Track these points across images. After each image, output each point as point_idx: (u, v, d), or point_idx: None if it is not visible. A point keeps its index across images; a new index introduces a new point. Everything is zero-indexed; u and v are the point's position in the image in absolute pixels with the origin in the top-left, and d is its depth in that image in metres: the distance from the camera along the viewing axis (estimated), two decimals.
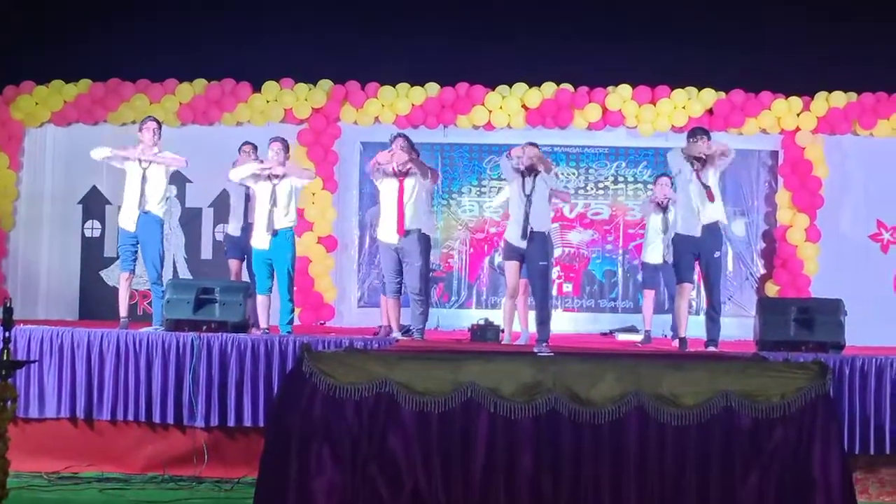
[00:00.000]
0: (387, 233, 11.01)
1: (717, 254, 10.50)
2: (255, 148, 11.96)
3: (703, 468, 6.25)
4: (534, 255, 10.55)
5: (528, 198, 10.53)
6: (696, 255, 10.45)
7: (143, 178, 10.66)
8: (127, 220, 10.73)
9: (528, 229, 10.50)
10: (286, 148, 10.92)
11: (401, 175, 10.93)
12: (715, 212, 10.39)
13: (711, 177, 10.37)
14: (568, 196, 11.16)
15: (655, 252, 12.21)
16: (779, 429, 6.24)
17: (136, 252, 10.80)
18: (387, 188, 11.04)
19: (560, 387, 6.34)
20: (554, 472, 6.26)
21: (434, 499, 6.21)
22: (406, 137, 11.13)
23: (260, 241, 10.73)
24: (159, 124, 10.92)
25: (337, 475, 6.18)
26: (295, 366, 6.51)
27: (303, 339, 9.34)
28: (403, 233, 10.88)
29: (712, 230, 10.38)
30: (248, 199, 11.84)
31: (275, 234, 10.65)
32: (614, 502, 6.25)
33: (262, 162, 10.97)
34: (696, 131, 10.56)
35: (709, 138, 10.50)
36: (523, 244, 10.53)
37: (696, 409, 6.29)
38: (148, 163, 10.65)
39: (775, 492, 6.24)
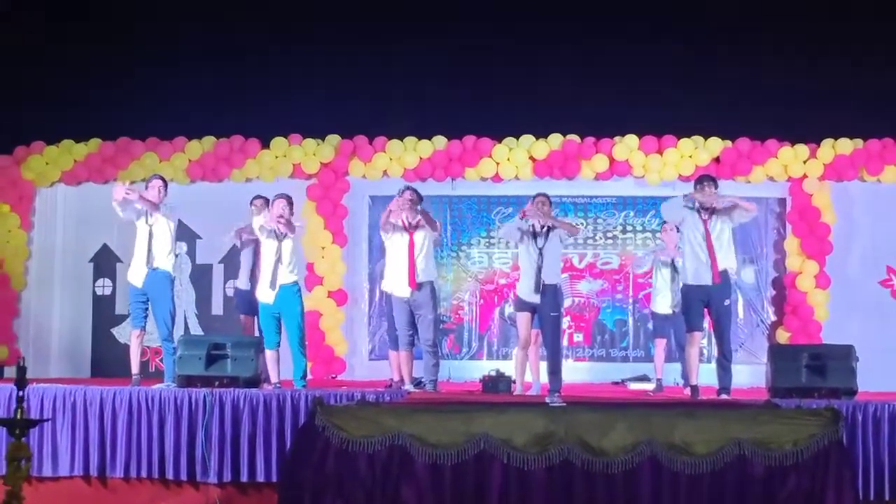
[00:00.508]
0: (399, 286, 11.04)
1: (727, 302, 10.53)
2: (267, 201, 12.00)
3: None
4: (545, 306, 10.56)
5: (541, 252, 10.56)
6: (706, 303, 10.47)
7: (150, 234, 10.73)
8: (136, 276, 10.80)
9: (541, 283, 10.52)
10: (290, 204, 10.97)
11: (411, 229, 10.99)
12: (724, 260, 10.42)
13: (721, 227, 10.42)
14: (577, 229, 11.21)
15: (665, 302, 12.24)
16: (792, 476, 6.24)
17: (147, 308, 10.85)
18: (396, 242, 11.08)
19: (572, 437, 6.35)
20: None
21: None
22: (414, 190, 11.20)
23: (265, 296, 10.79)
24: (165, 183, 11.01)
25: None
26: (307, 420, 6.53)
27: (314, 393, 9.31)
28: (416, 286, 10.92)
29: (722, 278, 10.40)
30: (256, 254, 11.89)
31: (279, 289, 10.70)
32: None
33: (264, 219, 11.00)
34: (703, 179, 10.62)
35: (716, 186, 10.56)
36: (536, 298, 10.54)
37: (709, 457, 6.30)
38: (154, 218, 10.72)
39: None
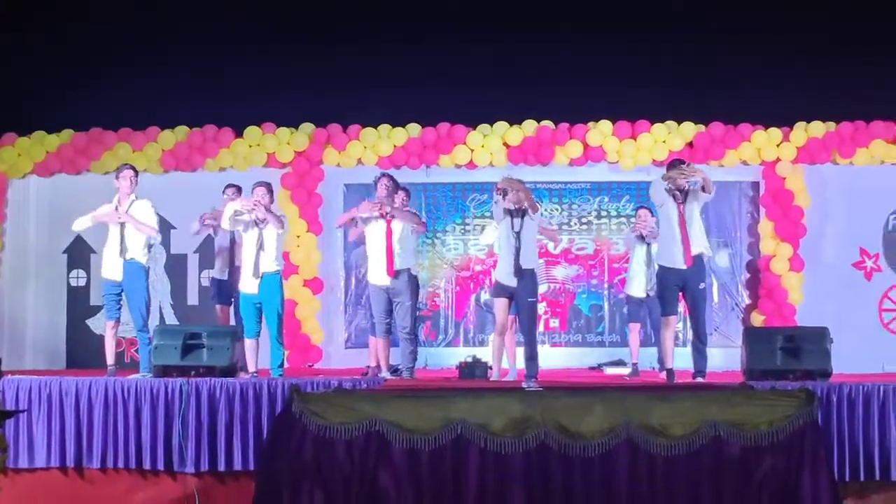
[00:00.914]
0: (376, 274, 11.06)
1: (701, 285, 10.56)
2: (240, 190, 12.01)
3: (694, 498, 6.27)
4: (523, 291, 10.56)
5: (518, 236, 10.56)
6: (680, 287, 10.51)
7: (122, 226, 10.71)
8: (110, 269, 10.78)
9: (519, 267, 10.52)
10: (270, 192, 10.97)
11: (389, 217, 10.99)
12: (697, 243, 10.46)
13: (692, 210, 10.46)
14: (555, 233, 11.18)
15: (639, 285, 12.29)
16: (768, 456, 6.28)
17: (121, 300, 10.83)
18: (374, 230, 11.09)
19: (549, 421, 6.37)
20: None
21: None
22: (390, 177, 11.20)
23: (247, 285, 10.77)
24: (136, 172, 10.98)
25: None
26: (284, 407, 6.53)
27: (291, 381, 9.30)
28: (394, 273, 10.93)
29: (696, 262, 10.44)
30: (233, 242, 11.87)
31: (262, 277, 10.70)
32: None
33: (241, 202, 10.98)
34: (675, 163, 10.66)
35: (684, 165, 10.62)
36: (514, 282, 10.54)
37: (685, 439, 6.33)
38: (126, 208, 10.71)
39: None
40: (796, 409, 6.35)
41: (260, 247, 10.73)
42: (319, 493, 6.19)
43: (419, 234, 11.98)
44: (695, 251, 10.42)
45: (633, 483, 6.28)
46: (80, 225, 10.97)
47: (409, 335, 11.05)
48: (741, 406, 6.43)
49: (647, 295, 12.08)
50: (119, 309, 10.84)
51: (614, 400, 6.53)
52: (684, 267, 10.39)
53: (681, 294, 10.61)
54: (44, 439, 9.55)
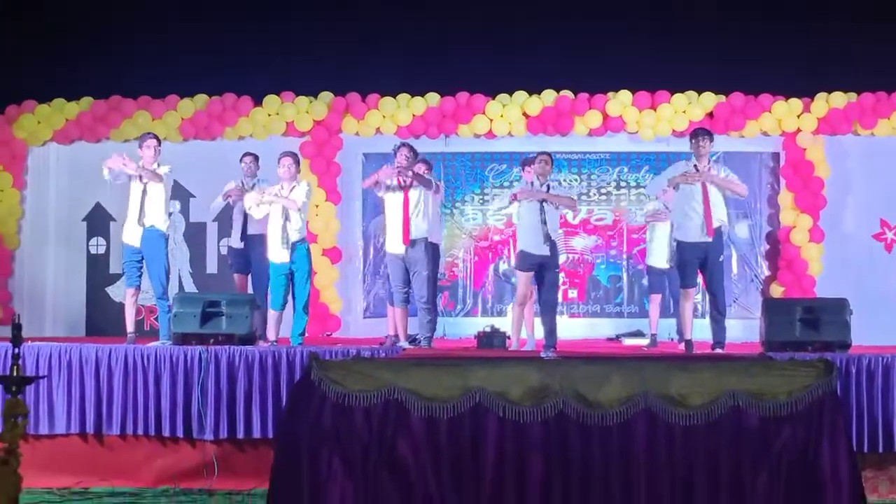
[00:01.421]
0: (393, 243, 11.07)
1: (720, 258, 10.55)
2: (256, 158, 11.97)
3: (712, 468, 6.25)
4: (550, 262, 10.58)
5: (542, 205, 10.56)
6: (699, 259, 10.48)
7: (144, 192, 10.75)
8: (130, 235, 10.82)
9: (548, 236, 10.52)
10: (297, 162, 11.00)
11: (406, 186, 10.98)
12: (718, 216, 10.42)
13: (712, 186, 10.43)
14: (574, 202, 11.18)
15: (661, 256, 12.24)
16: (787, 427, 6.25)
17: (141, 267, 10.87)
18: (392, 200, 11.09)
19: (567, 390, 6.35)
20: (564, 475, 6.27)
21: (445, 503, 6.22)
22: (410, 147, 11.17)
23: (277, 255, 10.78)
24: (159, 141, 11.01)
25: (348, 483, 6.20)
26: (303, 375, 6.52)
27: (310, 349, 9.32)
28: (409, 242, 10.92)
29: (716, 234, 10.42)
30: (246, 212, 11.86)
31: (293, 247, 10.72)
32: (624, 503, 6.25)
33: (262, 192, 10.99)
34: (698, 133, 10.62)
35: (711, 140, 10.58)
36: (546, 250, 10.53)
37: (704, 409, 6.30)
38: (147, 178, 10.73)
39: (784, 489, 6.24)
40: (815, 379, 6.31)
41: (286, 217, 10.74)
42: (338, 460, 6.19)
43: (439, 203, 11.91)
44: (715, 223, 10.39)
45: (652, 452, 6.26)
46: (114, 162, 10.86)
47: (426, 305, 11.06)
48: (760, 376, 6.40)
49: (669, 266, 12.04)
50: (140, 276, 10.88)
51: (632, 369, 6.52)
52: (707, 240, 10.36)
53: (699, 266, 10.59)
54: (64, 406, 9.60)
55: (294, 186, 10.85)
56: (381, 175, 11.13)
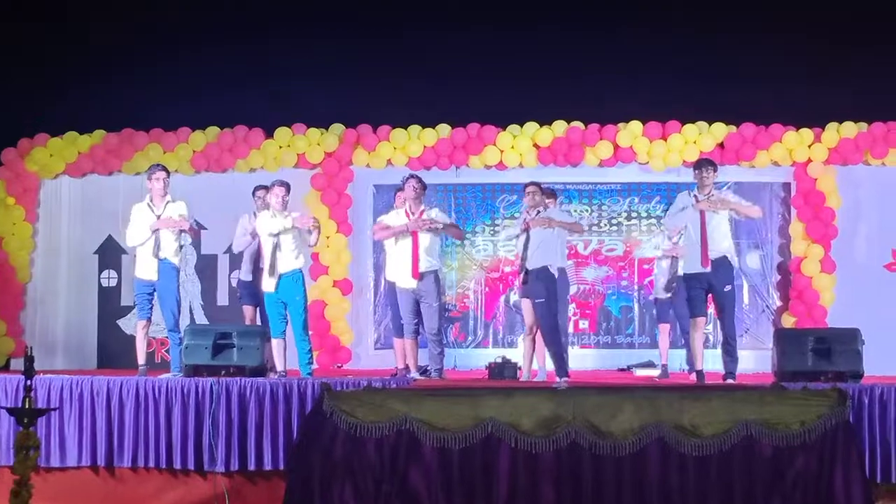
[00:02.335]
0: (403, 278, 11.04)
1: (727, 287, 10.50)
2: (268, 189, 12.03)
3: (726, 497, 6.25)
4: (531, 292, 10.63)
5: (527, 234, 10.65)
6: (706, 290, 10.47)
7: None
8: (143, 269, 10.81)
9: (526, 268, 10.60)
10: (288, 191, 10.99)
11: (424, 225, 10.97)
12: (720, 246, 10.42)
13: (717, 215, 10.42)
14: (579, 225, 11.22)
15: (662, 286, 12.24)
16: (800, 456, 6.25)
17: (153, 300, 10.87)
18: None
19: (580, 420, 6.36)
20: None
21: None
22: (419, 178, 11.16)
23: (267, 284, 10.81)
24: (168, 173, 11.00)
25: None
26: (315, 406, 6.54)
27: (321, 380, 9.29)
28: (419, 276, 10.90)
29: (721, 264, 10.40)
30: (257, 244, 11.85)
31: (280, 277, 10.72)
32: None
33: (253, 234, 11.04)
34: (702, 163, 10.62)
35: (715, 170, 10.59)
36: (524, 286, 10.60)
37: (717, 439, 6.30)
38: (162, 209, 10.76)
39: None
40: (828, 408, 6.32)
41: (277, 247, 10.76)
42: (350, 491, 6.20)
43: (442, 235, 11.89)
44: (714, 255, 10.37)
45: (665, 482, 6.25)
46: (135, 241, 10.94)
47: (436, 336, 11.03)
48: (773, 406, 6.40)
49: (670, 295, 12.01)
50: (151, 309, 10.88)
51: (645, 399, 6.52)
52: (705, 270, 10.35)
53: (709, 296, 10.57)
54: (75, 438, 9.59)
55: (287, 215, 10.86)
56: (395, 228, 11.11)
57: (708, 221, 10.40)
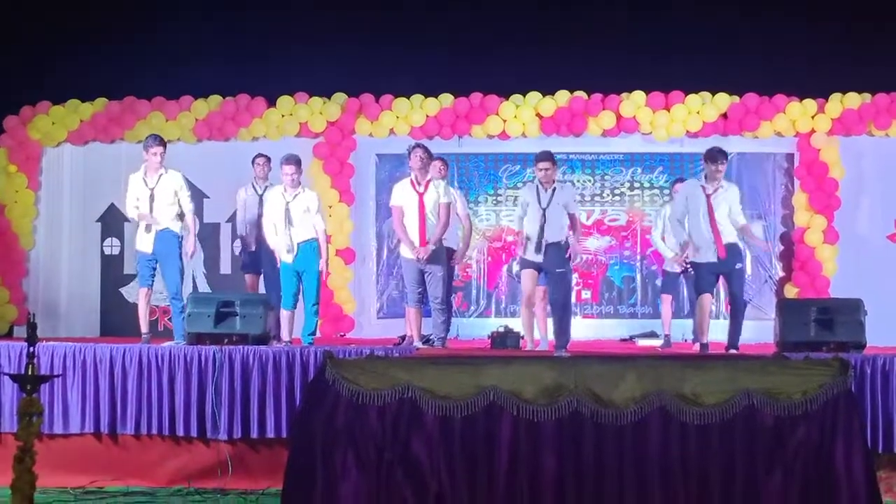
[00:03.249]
0: (407, 249, 11.03)
1: (738, 265, 10.55)
2: (269, 160, 12.08)
3: (727, 467, 6.25)
4: (549, 265, 10.60)
5: (544, 213, 10.58)
6: (715, 275, 10.51)
7: (151, 197, 10.74)
8: (143, 241, 10.81)
9: (544, 243, 10.54)
10: (300, 168, 10.99)
11: (421, 190, 10.94)
12: (729, 234, 10.42)
13: (724, 201, 10.41)
14: (580, 232, 11.34)
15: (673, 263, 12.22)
16: (801, 426, 6.24)
17: (154, 269, 10.87)
18: (408, 204, 11.04)
19: (582, 389, 6.35)
20: (578, 473, 6.27)
21: (458, 502, 6.22)
22: (424, 148, 11.10)
23: (285, 256, 10.83)
24: (165, 146, 10.93)
25: (362, 480, 6.21)
26: (317, 373, 6.53)
27: (324, 349, 9.31)
28: (425, 245, 10.89)
29: (731, 249, 10.41)
30: (259, 217, 11.86)
31: (298, 247, 10.75)
32: (639, 502, 6.24)
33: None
34: (717, 156, 10.52)
35: (726, 158, 10.56)
36: (540, 258, 10.57)
37: (718, 408, 6.29)
38: (155, 181, 10.73)
39: (799, 489, 6.23)
40: (830, 378, 6.30)
41: (289, 221, 10.77)
42: (352, 458, 6.20)
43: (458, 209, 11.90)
44: (726, 241, 10.38)
45: (666, 451, 6.25)
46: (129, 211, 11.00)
47: (441, 305, 11.04)
48: (775, 375, 6.39)
49: (685, 271, 11.99)
50: (152, 276, 10.88)
51: (647, 368, 6.51)
52: (718, 260, 10.37)
53: (718, 277, 10.63)
54: (78, 405, 9.63)
55: (297, 194, 10.87)
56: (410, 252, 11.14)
57: (715, 208, 10.39)
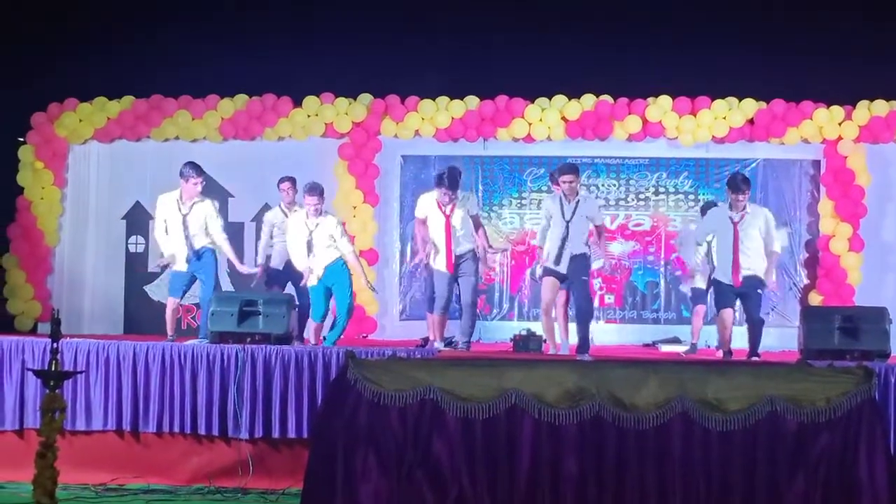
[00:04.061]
0: (440, 263, 11.10)
1: (759, 290, 10.54)
2: (294, 183, 12.11)
3: (749, 473, 6.23)
4: (573, 274, 10.62)
5: (567, 228, 10.59)
6: (735, 295, 10.51)
7: (185, 224, 10.86)
8: (181, 263, 10.89)
9: (566, 255, 10.56)
10: (321, 197, 11.07)
11: (448, 212, 11.00)
12: (752, 265, 10.39)
13: (751, 232, 10.40)
14: (604, 242, 11.39)
15: (702, 278, 12.20)
16: (824, 433, 6.22)
17: (188, 284, 10.99)
18: (434, 220, 11.10)
19: (604, 393, 6.34)
20: (599, 478, 6.26)
21: None
22: (449, 185, 11.01)
23: (312, 280, 11.01)
24: (204, 177, 11.05)
25: (383, 481, 6.21)
26: (339, 373, 6.54)
27: (346, 349, 9.31)
28: (455, 262, 10.97)
29: (752, 280, 10.40)
30: (271, 236, 12.01)
31: (325, 270, 10.92)
32: None
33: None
34: (740, 186, 10.45)
35: (749, 187, 10.53)
36: (563, 269, 10.60)
37: (741, 413, 6.28)
38: (189, 209, 10.81)
39: (821, 496, 6.21)
40: (854, 386, 6.28)
41: (309, 250, 10.91)
42: (373, 458, 6.21)
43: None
44: (745, 273, 10.37)
45: (687, 456, 6.23)
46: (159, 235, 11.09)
47: (470, 308, 11.09)
48: (798, 382, 6.37)
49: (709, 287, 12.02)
50: (184, 291, 11.03)
51: (669, 373, 6.49)
52: (736, 285, 10.37)
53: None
54: (101, 402, 9.68)
55: (319, 223, 10.95)
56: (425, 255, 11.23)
57: (742, 240, 10.37)
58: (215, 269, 11.06)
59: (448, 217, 11.00)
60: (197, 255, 10.86)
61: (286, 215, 12.04)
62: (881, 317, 9.90)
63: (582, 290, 10.70)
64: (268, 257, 12.30)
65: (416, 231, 11.29)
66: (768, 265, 10.55)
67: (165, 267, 10.86)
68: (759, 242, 10.46)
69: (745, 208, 10.47)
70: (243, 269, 11.27)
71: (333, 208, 12.64)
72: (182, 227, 10.84)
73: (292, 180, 12.20)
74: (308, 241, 10.94)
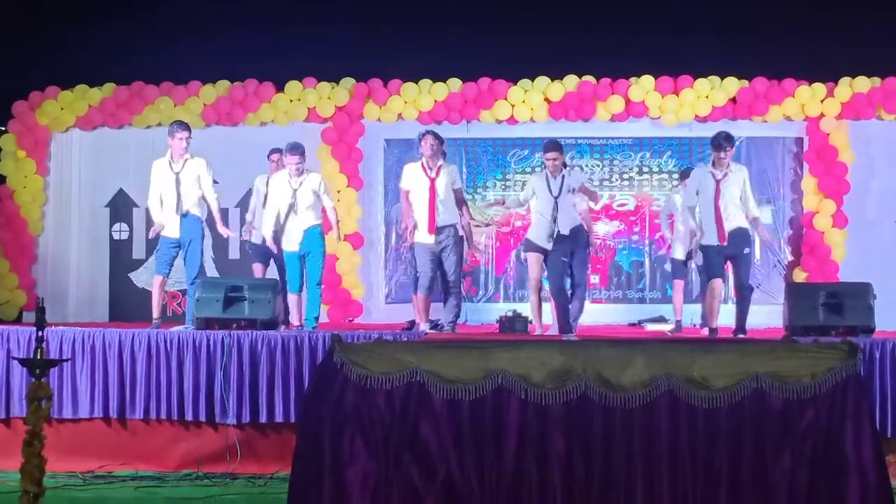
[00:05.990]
0: (420, 233, 11.06)
1: (746, 250, 10.54)
2: (282, 154, 12.06)
3: (735, 450, 6.23)
4: (576, 245, 10.69)
5: (556, 202, 10.60)
6: (724, 257, 10.49)
7: (178, 181, 10.75)
8: (170, 227, 10.81)
9: (556, 231, 10.57)
10: (302, 156, 11.06)
11: (433, 175, 10.97)
12: (736, 219, 10.40)
13: (733, 187, 10.39)
14: (596, 195, 11.33)
15: (681, 248, 12.22)
16: (810, 409, 6.22)
17: (175, 257, 10.92)
18: (418, 189, 11.07)
19: (590, 372, 6.33)
20: (586, 457, 6.25)
21: (467, 485, 6.21)
22: (435, 134, 11.14)
23: (289, 244, 10.97)
24: (190, 132, 10.96)
25: (371, 464, 6.20)
26: (326, 357, 6.52)
27: (332, 333, 9.33)
28: (435, 231, 10.92)
29: (737, 234, 10.39)
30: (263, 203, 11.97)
31: (303, 233, 10.81)
32: (647, 485, 6.23)
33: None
34: (723, 143, 10.48)
35: (732, 145, 10.53)
36: (549, 244, 10.62)
37: (727, 391, 6.27)
38: (181, 166, 10.74)
39: (807, 472, 6.21)
40: (839, 361, 6.28)
41: (293, 210, 10.84)
42: (360, 442, 6.19)
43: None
44: (730, 227, 10.35)
45: (674, 434, 6.23)
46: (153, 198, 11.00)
47: (454, 289, 11.09)
48: (784, 359, 6.37)
49: (688, 258, 12.05)
50: (171, 264, 10.95)
51: (655, 352, 6.49)
52: (721, 244, 10.36)
53: (726, 261, 10.62)
54: (87, 390, 9.67)
55: (303, 180, 10.91)
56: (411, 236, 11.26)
57: (722, 195, 10.37)
58: (202, 236, 11.01)
59: (433, 181, 10.97)
60: (185, 216, 10.77)
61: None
62: (865, 292, 9.95)
63: (583, 263, 10.87)
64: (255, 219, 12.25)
65: (403, 203, 11.29)
66: (755, 224, 10.61)
67: (158, 235, 10.74)
68: (740, 193, 10.48)
69: (728, 166, 10.48)
70: (225, 231, 11.17)
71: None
72: (175, 184, 10.76)
73: (280, 151, 12.16)
74: (291, 203, 10.90)
